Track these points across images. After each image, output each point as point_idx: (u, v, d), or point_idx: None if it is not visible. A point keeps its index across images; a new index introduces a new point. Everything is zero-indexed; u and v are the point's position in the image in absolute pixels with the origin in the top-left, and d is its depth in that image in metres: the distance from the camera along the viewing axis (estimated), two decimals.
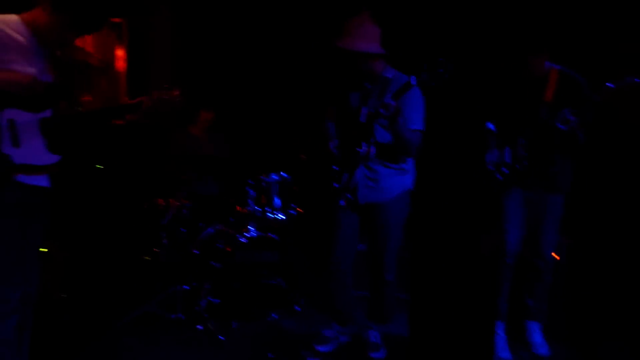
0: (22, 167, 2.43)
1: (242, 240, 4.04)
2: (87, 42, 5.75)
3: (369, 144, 3.20)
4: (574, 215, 3.66)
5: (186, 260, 4.20)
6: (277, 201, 4.29)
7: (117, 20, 5.54)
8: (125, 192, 4.96)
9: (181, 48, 5.71)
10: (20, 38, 2.44)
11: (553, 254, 3.57)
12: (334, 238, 3.51)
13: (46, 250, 3.39)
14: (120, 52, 5.75)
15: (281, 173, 4.32)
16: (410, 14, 4.70)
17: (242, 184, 4.30)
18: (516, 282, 3.58)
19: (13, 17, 2.45)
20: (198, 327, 3.84)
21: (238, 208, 4.34)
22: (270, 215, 4.26)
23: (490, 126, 3.56)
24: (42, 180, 2.55)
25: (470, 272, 4.01)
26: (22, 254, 2.51)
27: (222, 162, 4.74)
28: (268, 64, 5.49)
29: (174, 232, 4.25)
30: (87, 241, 4.59)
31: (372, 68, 3.26)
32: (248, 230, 4.13)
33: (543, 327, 3.68)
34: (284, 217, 4.29)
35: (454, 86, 3.05)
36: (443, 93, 3.12)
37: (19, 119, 2.42)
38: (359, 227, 3.52)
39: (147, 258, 4.41)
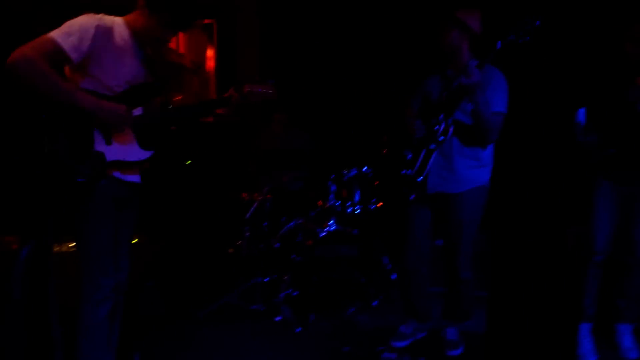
0: (115, 164, 2.54)
1: (322, 234, 4.03)
2: (180, 44, 6.01)
3: (447, 121, 3.10)
4: None
5: (267, 254, 4.25)
6: (357, 195, 4.26)
7: (208, 21, 5.74)
8: (211, 186, 5.10)
9: (268, 48, 5.82)
10: (123, 40, 2.56)
11: None
12: (406, 235, 3.43)
13: (136, 241, 3.54)
14: (210, 53, 5.94)
15: (363, 168, 4.28)
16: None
17: (323, 178, 4.30)
18: (606, 282, 3.33)
19: (118, 19, 2.59)
20: (276, 318, 3.87)
21: (319, 203, 4.34)
22: (350, 209, 4.23)
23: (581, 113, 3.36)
24: (133, 176, 2.66)
25: (553, 269, 3.78)
26: (116, 245, 2.63)
27: (302, 156, 4.78)
28: (351, 59, 5.47)
29: (257, 226, 4.32)
30: (174, 234, 4.75)
31: (458, 44, 3.17)
32: (328, 225, 4.12)
33: (634, 329, 3.42)
34: (364, 212, 4.25)
35: (539, 67, 2.90)
36: (528, 77, 2.95)
37: None
38: (432, 222, 3.41)
39: (230, 250, 4.50)
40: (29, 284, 2.85)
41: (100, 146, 2.50)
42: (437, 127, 3.12)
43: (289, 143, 4.88)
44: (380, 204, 4.31)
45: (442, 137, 3.11)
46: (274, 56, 5.74)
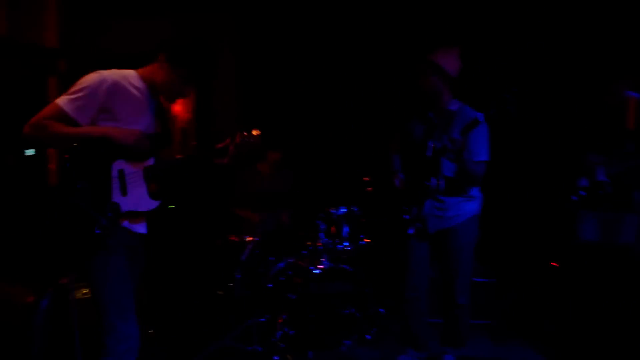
0: (128, 214, 2.61)
1: (316, 272, 4.13)
2: None
3: (437, 178, 3.31)
4: None
5: (260, 294, 4.30)
6: (346, 233, 4.40)
7: None
8: (197, 230, 5.14)
9: (245, 93, 5.97)
10: (136, 92, 2.66)
11: None
12: (408, 266, 3.61)
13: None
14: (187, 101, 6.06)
15: (351, 206, 4.43)
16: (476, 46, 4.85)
17: (312, 217, 4.42)
18: None
19: (131, 72, 2.69)
20: (274, 358, 3.92)
21: (308, 243, 4.45)
22: (340, 246, 4.35)
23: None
24: (140, 227, 2.73)
25: None
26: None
27: (291, 198, 4.89)
28: (331, 100, 5.67)
29: (247, 267, 4.38)
30: (163, 279, 4.75)
31: (438, 89, 3.39)
32: (321, 262, 4.22)
33: None
34: (353, 248, 4.38)
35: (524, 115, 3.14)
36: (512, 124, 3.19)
37: (127, 169, 2.63)
38: (430, 255, 3.60)
39: (220, 292, 4.53)
40: (48, 336, 2.84)
41: (116, 197, 2.57)
42: (428, 182, 3.34)
43: (275, 184, 4.99)
44: (368, 240, 4.46)
45: (434, 189, 3.36)
46: (251, 100, 5.89)
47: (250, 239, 4.44)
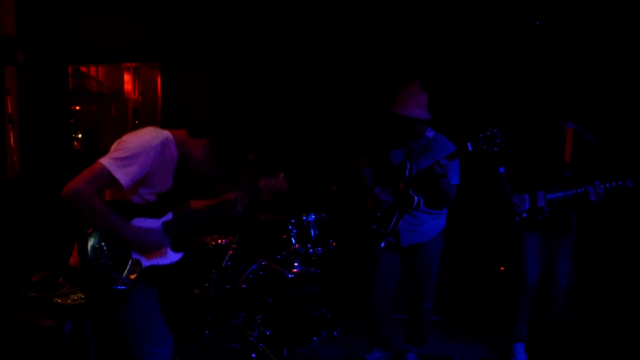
0: (149, 269, 2.73)
1: (290, 276, 4.49)
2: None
3: (418, 195, 3.70)
4: None
5: (234, 295, 4.59)
6: (315, 237, 4.76)
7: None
8: None
9: (212, 83, 6.12)
10: (170, 160, 2.74)
11: None
12: (376, 274, 3.99)
13: None
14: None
15: (320, 213, 4.78)
16: (445, 81, 5.31)
17: (284, 224, 4.74)
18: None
19: (170, 137, 2.73)
20: (252, 355, 4.25)
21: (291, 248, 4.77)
22: (311, 250, 4.71)
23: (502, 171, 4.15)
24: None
25: None
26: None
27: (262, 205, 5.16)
28: (301, 105, 5.92)
29: (224, 269, 4.64)
30: None
31: (420, 130, 3.78)
32: (294, 266, 4.58)
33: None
34: (322, 252, 4.75)
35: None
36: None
37: (145, 225, 2.70)
38: (400, 264, 4.01)
39: (195, 291, 4.78)
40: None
41: (136, 254, 2.68)
42: (409, 200, 3.72)
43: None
44: (334, 244, 4.85)
45: (415, 206, 3.73)
46: (217, 95, 6.06)
47: (226, 241, 4.68)
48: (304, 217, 4.75)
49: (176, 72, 6.10)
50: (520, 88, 5.28)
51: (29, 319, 3.11)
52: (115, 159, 2.52)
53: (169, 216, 2.81)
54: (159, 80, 6.67)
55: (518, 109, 5.07)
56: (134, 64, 8.14)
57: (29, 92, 6.22)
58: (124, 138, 2.62)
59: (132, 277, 2.64)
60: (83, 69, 7.72)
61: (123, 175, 2.50)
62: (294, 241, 4.75)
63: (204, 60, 6.09)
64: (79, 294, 3.86)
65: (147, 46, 6.20)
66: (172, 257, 2.82)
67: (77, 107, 7.58)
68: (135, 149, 2.55)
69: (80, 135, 7.57)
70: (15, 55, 6.02)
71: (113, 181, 2.51)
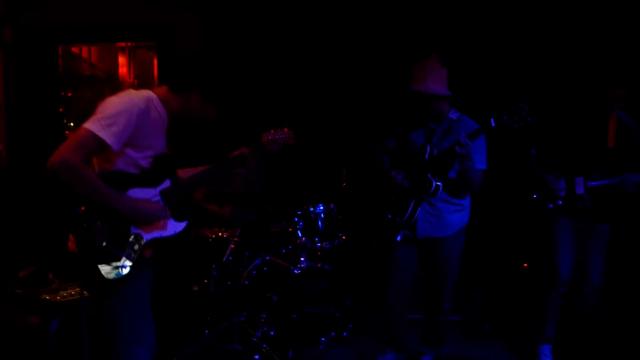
0: (153, 242, 2.58)
1: (296, 272, 4.17)
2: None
3: (436, 179, 3.36)
4: None
5: (236, 292, 4.30)
6: (323, 230, 4.43)
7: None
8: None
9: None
10: (158, 118, 2.57)
11: None
12: (392, 270, 3.67)
13: None
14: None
15: (329, 204, 4.45)
16: (473, 56, 4.91)
17: (290, 215, 4.42)
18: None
19: (153, 96, 2.57)
20: (255, 357, 3.96)
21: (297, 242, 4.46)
22: (319, 244, 4.39)
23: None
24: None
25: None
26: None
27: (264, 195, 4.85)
28: (305, 87, 5.56)
29: (224, 264, 4.35)
30: None
31: (439, 109, 3.42)
32: (300, 261, 4.26)
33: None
34: (331, 246, 4.43)
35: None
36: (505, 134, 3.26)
37: (142, 196, 2.53)
38: (417, 260, 3.68)
39: (194, 288, 4.49)
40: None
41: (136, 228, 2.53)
42: (427, 184, 3.37)
43: (251, 182, 4.90)
44: (344, 237, 4.52)
45: (433, 191, 3.37)
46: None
47: (228, 234, 4.39)
48: (311, 209, 4.42)
49: (174, 53, 5.73)
50: (559, 60, 4.83)
51: (13, 316, 2.97)
52: (98, 119, 2.37)
53: (166, 183, 2.63)
54: (155, 62, 6.35)
55: (554, 85, 4.67)
56: (129, 44, 7.82)
57: (17, 75, 5.85)
58: (104, 101, 2.48)
59: (135, 253, 2.49)
60: (75, 50, 7.38)
61: (109, 136, 2.35)
62: (300, 234, 4.42)
63: (202, 40, 5.72)
64: (69, 291, 3.66)
65: (143, 25, 5.84)
66: (175, 227, 2.66)
67: (69, 94, 7.28)
68: (117, 108, 2.41)
69: (72, 124, 7.21)
70: (2, 33, 5.69)
71: (100, 145, 2.35)
